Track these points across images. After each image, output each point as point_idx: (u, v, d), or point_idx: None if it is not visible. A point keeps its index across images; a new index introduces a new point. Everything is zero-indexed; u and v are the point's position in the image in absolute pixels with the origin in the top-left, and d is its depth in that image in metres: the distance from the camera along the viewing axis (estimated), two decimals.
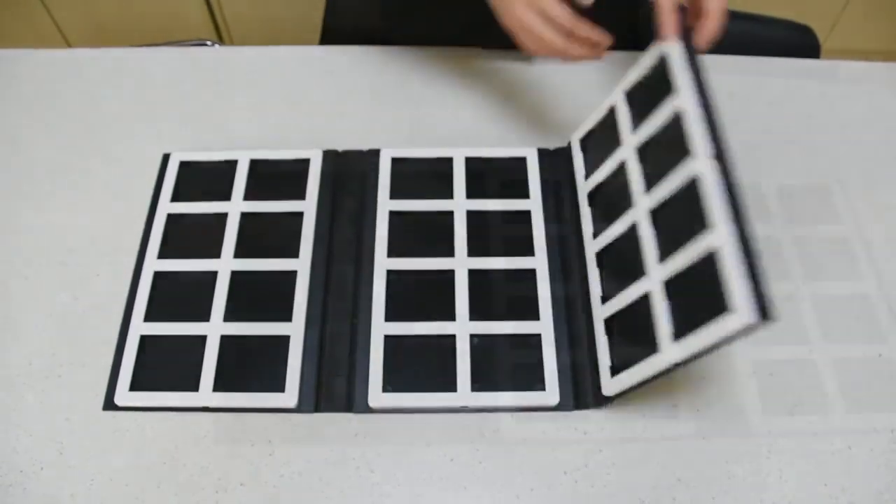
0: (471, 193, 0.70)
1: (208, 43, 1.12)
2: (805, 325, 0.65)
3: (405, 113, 0.78)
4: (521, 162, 0.72)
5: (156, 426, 0.61)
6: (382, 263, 0.66)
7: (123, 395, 0.61)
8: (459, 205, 0.69)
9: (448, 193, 0.70)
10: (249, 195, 0.71)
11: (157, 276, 0.66)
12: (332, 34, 0.92)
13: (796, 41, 1.00)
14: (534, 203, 0.69)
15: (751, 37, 0.96)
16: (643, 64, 0.60)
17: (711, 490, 0.57)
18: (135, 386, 0.62)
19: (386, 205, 0.69)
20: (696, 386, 0.63)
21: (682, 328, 0.51)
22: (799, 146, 0.77)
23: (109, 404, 0.61)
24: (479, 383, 0.61)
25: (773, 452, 0.59)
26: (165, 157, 0.74)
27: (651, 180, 0.57)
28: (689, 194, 0.52)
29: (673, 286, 0.53)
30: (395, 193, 0.70)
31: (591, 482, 0.58)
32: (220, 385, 0.61)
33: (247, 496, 0.58)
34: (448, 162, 0.72)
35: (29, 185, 0.74)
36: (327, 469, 0.59)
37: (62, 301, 0.67)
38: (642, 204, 0.58)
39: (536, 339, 0.63)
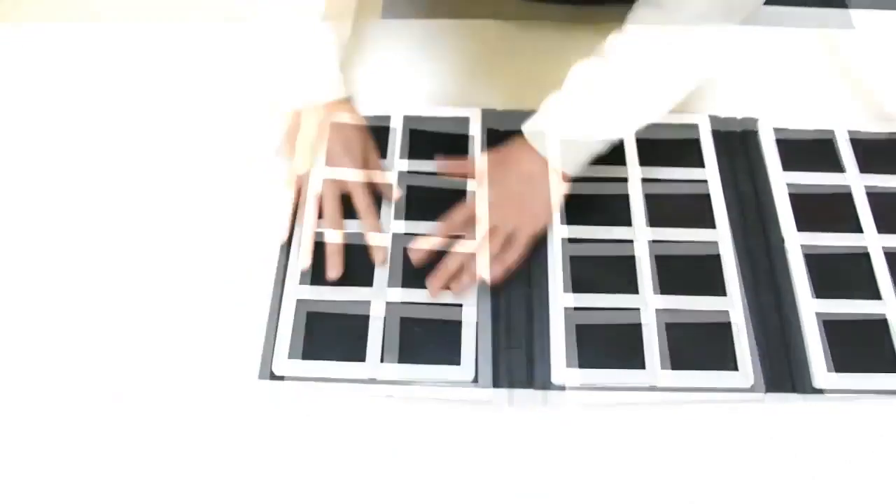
0: (643, 160, 0.66)
1: None
2: None
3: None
4: (693, 129, 0.68)
5: (315, 398, 0.57)
6: (558, 232, 0.62)
7: (283, 364, 0.57)
8: (633, 172, 0.65)
9: (619, 159, 0.66)
10: (406, 154, 0.66)
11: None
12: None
13: None
14: (710, 172, 0.65)
15: None
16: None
17: None
18: (293, 354, 0.57)
19: None
20: None
21: None
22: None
23: (266, 373, 0.57)
24: (666, 361, 0.57)
25: None
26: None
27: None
28: None
29: None
30: None
31: None
32: (390, 357, 0.57)
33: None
34: None
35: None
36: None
37: (206, 266, 0.62)
38: (875, 241, 0.63)
39: (724, 316, 0.59)
